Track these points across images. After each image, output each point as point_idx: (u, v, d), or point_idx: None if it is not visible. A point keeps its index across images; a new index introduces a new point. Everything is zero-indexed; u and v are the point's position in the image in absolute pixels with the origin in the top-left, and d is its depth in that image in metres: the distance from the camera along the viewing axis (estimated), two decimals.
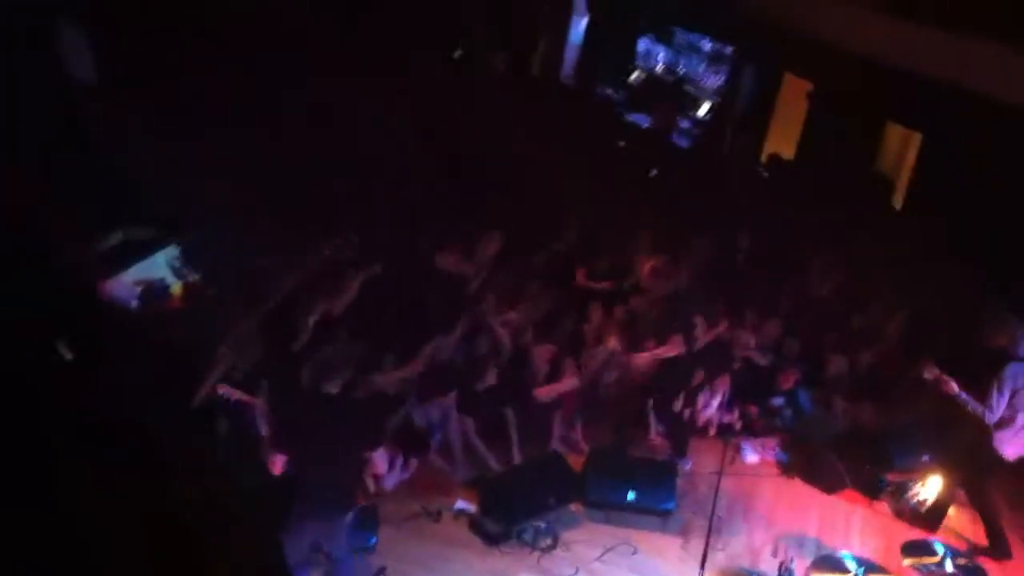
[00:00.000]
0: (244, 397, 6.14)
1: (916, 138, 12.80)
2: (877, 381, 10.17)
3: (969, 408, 7.43)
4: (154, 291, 6.79)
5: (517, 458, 8.40)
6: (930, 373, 7.51)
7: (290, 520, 5.82)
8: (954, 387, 7.43)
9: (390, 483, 7.65)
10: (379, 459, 7.42)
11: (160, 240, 7.22)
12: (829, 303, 11.03)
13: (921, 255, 11.23)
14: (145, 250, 6.95)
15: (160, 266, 6.88)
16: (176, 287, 7.02)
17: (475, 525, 7.55)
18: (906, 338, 10.53)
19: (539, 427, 8.73)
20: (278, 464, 5.80)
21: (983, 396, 7.40)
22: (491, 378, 8.48)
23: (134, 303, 6.46)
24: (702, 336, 9.65)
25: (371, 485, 7.57)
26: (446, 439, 8.20)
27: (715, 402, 9.53)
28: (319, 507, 5.96)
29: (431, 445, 8.08)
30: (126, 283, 6.47)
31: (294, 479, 5.86)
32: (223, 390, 6.12)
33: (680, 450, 8.95)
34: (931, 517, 8.36)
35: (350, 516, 6.48)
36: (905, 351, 10.38)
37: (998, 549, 7.94)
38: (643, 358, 9.21)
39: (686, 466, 8.48)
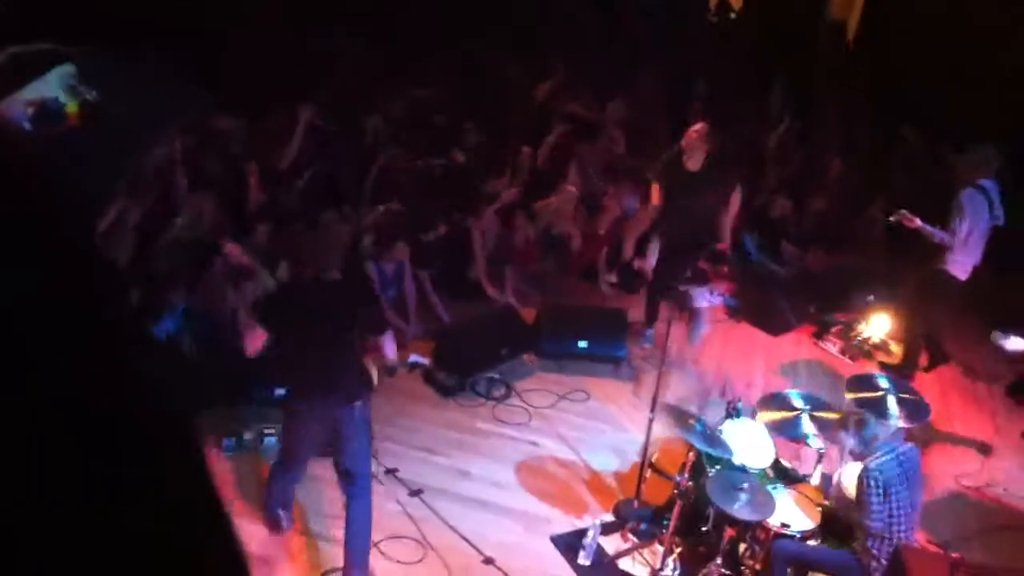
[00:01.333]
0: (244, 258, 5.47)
1: None
2: (823, 225, 10.33)
3: (934, 238, 7.63)
4: (48, 111, 6.40)
5: (468, 311, 8.44)
6: (896, 215, 7.63)
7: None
8: (917, 221, 7.58)
9: None
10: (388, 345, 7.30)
11: (53, 58, 6.83)
12: (773, 147, 11.12)
13: (864, 98, 11.33)
14: (37, 69, 6.55)
15: (53, 85, 6.46)
16: (71, 106, 6.66)
17: (429, 378, 7.62)
18: (849, 182, 10.69)
19: (493, 280, 8.78)
20: (256, 340, 5.09)
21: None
22: (442, 230, 8.45)
23: (26, 124, 6.02)
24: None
25: None
26: (400, 294, 8.20)
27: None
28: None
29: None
30: (17, 103, 6.00)
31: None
32: (229, 249, 5.46)
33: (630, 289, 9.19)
34: (876, 354, 8.64)
35: None
36: (849, 194, 10.55)
37: (939, 355, 8.56)
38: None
39: (648, 333, 8.51)
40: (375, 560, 5.63)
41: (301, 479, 5.70)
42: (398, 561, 5.72)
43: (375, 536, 5.61)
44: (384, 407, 7.19)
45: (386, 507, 6.15)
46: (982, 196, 7.68)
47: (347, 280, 5.33)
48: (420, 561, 5.76)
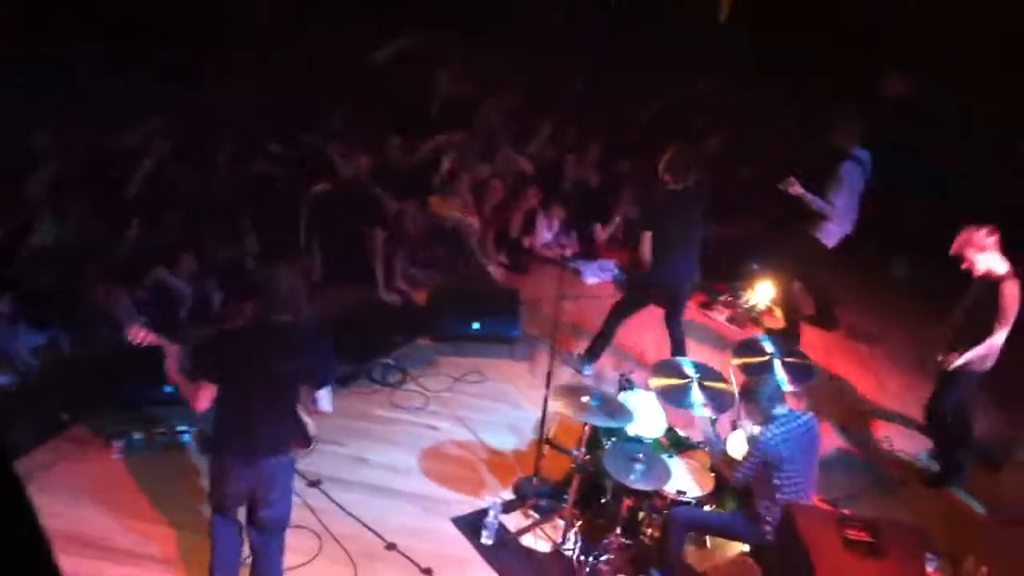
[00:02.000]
0: (156, 340, 5.07)
1: None
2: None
3: (813, 205, 7.95)
4: None
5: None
6: (784, 182, 7.89)
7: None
8: (799, 188, 7.84)
9: None
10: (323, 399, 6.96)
11: None
12: (653, 124, 11.31)
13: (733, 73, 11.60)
14: None
15: None
16: None
17: None
18: (730, 157, 10.94)
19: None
20: (205, 398, 4.70)
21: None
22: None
23: None
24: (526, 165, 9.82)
25: None
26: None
27: (552, 226, 9.68)
28: None
29: None
30: None
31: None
32: (134, 334, 5.00)
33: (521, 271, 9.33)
34: (763, 320, 8.88)
35: None
36: (730, 169, 10.80)
37: (830, 320, 8.91)
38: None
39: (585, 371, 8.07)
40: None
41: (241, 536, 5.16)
42: (300, 552, 5.65)
43: None
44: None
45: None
46: (859, 168, 7.96)
47: (297, 325, 4.92)
48: (321, 552, 5.71)
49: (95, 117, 8.38)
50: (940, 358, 6.55)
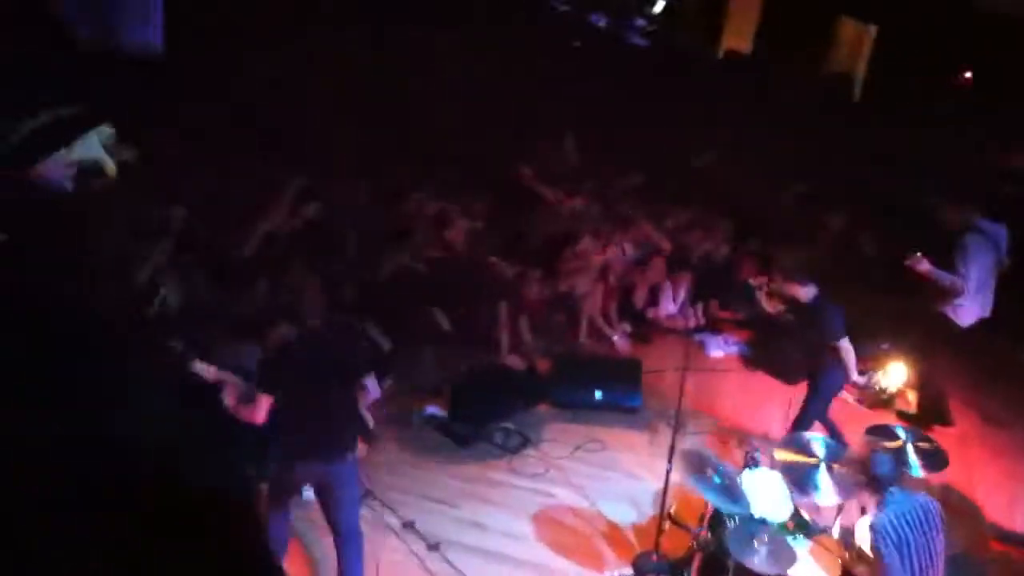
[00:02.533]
0: (217, 374, 5.46)
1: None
2: (826, 273, 10.36)
3: (944, 282, 7.67)
4: (88, 171, 6.32)
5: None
6: (910, 258, 7.68)
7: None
8: (927, 264, 7.61)
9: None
10: (371, 385, 7.26)
11: (93, 119, 6.80)
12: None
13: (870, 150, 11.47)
14: (77, 130, 6.50)
15: (94, 146, 6.39)
16: (110, 167, 6.60)
17: (445, 429, 7.60)
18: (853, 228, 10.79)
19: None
20: (262, 409, 5.08)
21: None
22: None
23: (68, 184, 5.94)
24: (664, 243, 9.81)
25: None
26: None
27: (677, 299, 9.63)
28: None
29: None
30: (59, 164, 5.90)
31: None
32: (199, 368, 5.30)
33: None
34: (893, 403, 8.61)
35: None
36: (852, 239, 10.63)
37: (943, 417, 8.40)
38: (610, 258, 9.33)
39: None
40: None
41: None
42: None
43: None
44: (400, 458, 7.20)
45: (405, 561, 6.14)
46: (986, 241, 7.69)
47: (329, 328, 5.53)
48: None
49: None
50: None
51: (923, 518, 5.06)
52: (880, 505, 5.05)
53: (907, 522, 4.98)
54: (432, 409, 7.73)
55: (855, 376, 7.33)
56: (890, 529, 4.94)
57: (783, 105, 12.47)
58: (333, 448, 5.33)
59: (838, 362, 7.10)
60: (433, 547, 6.26)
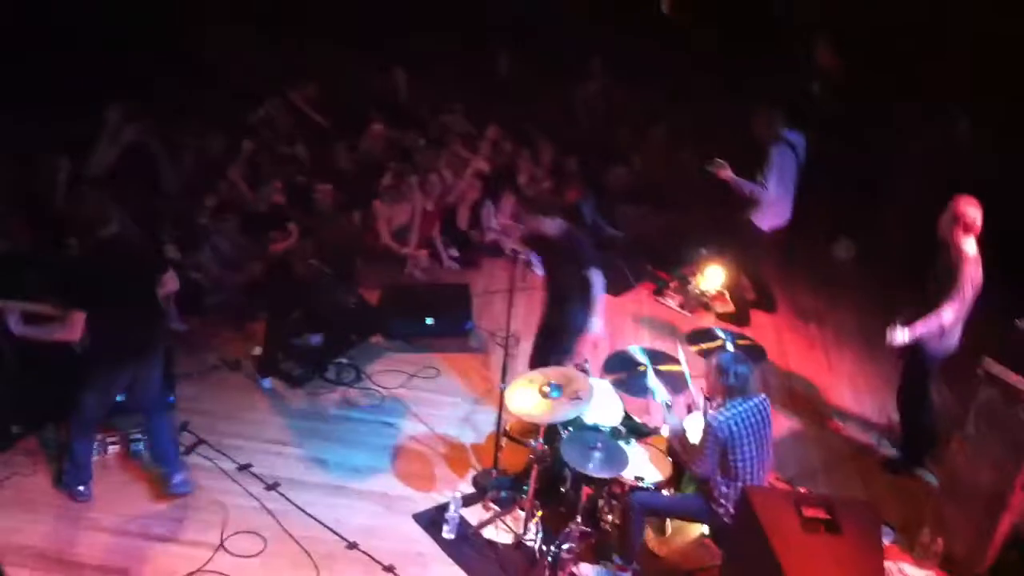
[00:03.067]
0: None
1: None
2: (650, 185, 10.65)
3: (745, 189, 7.97)
4: None
5: None
6: (711, 165, 7.95)
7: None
8: (729, 172, 7.90)
9: None
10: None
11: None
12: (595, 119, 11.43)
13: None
14: None
15: None
16: None
17: (277, 370, 7.48)
18: (669, 145, 11.07)
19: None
20: (78, 325, 5.19)
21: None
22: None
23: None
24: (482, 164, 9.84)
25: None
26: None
27: (502, 218, 9.68)
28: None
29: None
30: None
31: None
32: None
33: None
34: (712, 306, 8.96)
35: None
36: (668, 156, 10.94)
37: (769, 302, 8.93)
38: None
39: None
40: (235, 557, 5.61)
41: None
42: (257, 555, 5.64)
43: (230, 531, 5.80)
44: (231, 403, 7.06)
45: (242, 503, 6.07)
46: (791, 151, 8.01)
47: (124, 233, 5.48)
48: (281, 554, 5.69)
49: None
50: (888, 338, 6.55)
51: (757, 417, 5.31)
52: (722, 406, 5.27)
53: (742, 421, 5.22)
54: (259, 350, 7.58)
55: (597, 321, 6.64)
56: (724, 427, 5.18)
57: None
58: (151, 338, 5.70)
59: (587, 298, 6.61)
60: (271, 487, 6.20)
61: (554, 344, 6.81)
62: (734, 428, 5.19)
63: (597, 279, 6.53)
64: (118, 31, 10.06)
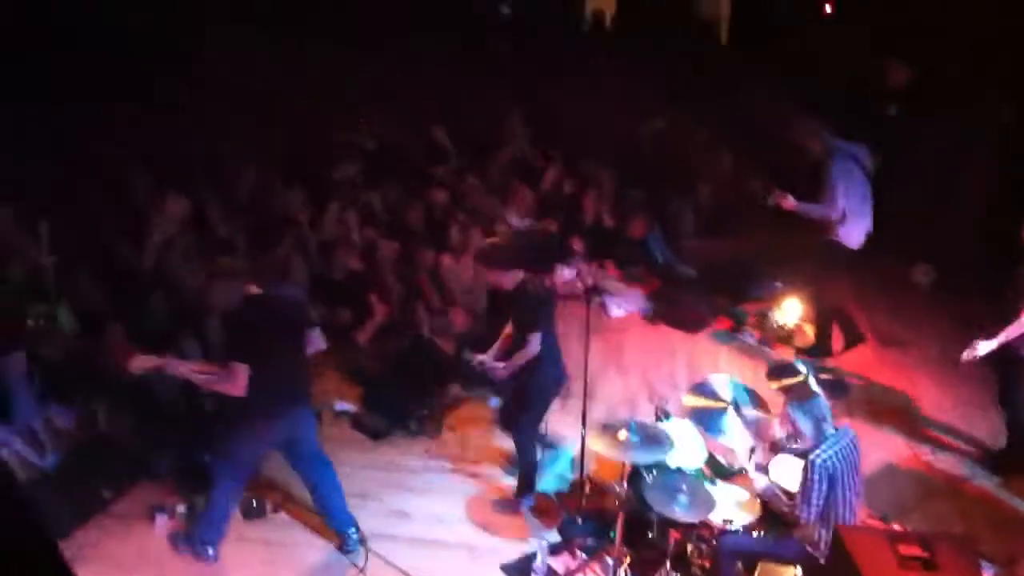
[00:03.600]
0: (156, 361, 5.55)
1: None
2: (718, 215, 10.57)
3: (813, 214, 7.79)
4: None
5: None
6: (773, 195, 7.80)
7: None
8: (791, 200, 7.74)
9: None
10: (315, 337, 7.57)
11: None
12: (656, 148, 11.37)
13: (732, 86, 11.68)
14: None
15: None
16: None
17: (358, 423, 7.53)
18: (735, 171, 10.98)
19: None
20: (241, 378, 5.40)
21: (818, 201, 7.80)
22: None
23: None
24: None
25: None
26: None
27: (573, 263, 9.66)
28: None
29: None
30: None
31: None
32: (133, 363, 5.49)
33: None
34: (792, 339, 8.81)
35: None
36: (736, 182, 10.83)
37: (854, 335, 8.61)
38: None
39: None
40: None
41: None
42: None
43: None
44: None
45: (334, 562, 6.10)
46: (848, 159, 7.83)
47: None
48: None
49: None
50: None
51: (851, 451, 5.22)
52: (818, 446, 5.19)
53: (841, 457, 5.14)
54: (342, 405, 7.64)
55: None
56: (827, 464, 5.10)
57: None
58: (301, 392, 5.89)
59: (553, 355, 6.49)
60: (361, 542, 6.21)
61: (519, 403, 6.62)
62: (838, 464, 5.10)
63: (533, 342, 6.25)
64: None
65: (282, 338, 5.68)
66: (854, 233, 7.96)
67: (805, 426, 5.25)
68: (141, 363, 5.46)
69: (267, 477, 6.66)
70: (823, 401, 5.40)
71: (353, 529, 6.13)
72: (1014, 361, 6.63)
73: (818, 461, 5.10)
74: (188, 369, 5.58)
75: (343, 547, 6.13)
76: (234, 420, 5.74)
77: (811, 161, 7.92)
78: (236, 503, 6.17)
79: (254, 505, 6.44)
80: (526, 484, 6.62)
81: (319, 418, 7.42)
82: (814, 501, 5.13)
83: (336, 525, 6.15)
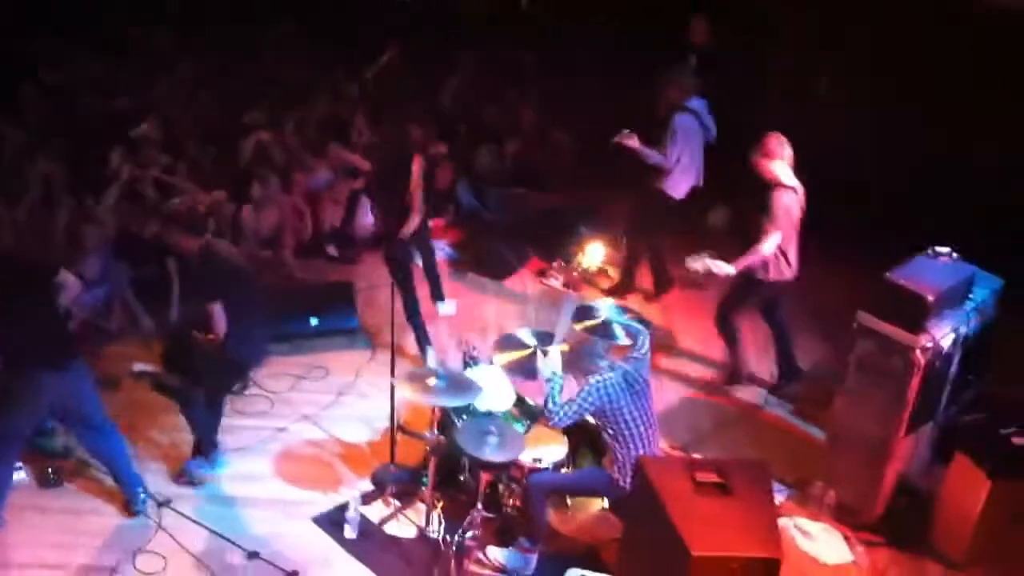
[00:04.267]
0: None
1: None
2: (524, 167, 10.70)
3: (650, 160, 8.05)
4: None
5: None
6: (619, 136, 7.95)
7: None
8: (636, 142, 7.95)
9: None
10: None
11: None
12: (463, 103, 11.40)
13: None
14: None
15: None
16: None
17: (159, 385, 7.28)
18: (543, 125, 11.13)
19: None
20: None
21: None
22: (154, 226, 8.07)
23: None
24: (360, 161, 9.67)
25: None
26: (108, 295, 7.81)
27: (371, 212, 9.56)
28: None
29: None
30: None
31: None
32: None
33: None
34: (595, 281, 9.06)
35: None
36: (543, 137, 11.00)
37: (666, 281, 8.97)
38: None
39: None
40: None
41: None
42: (156, 574, 5.52)
43: (125, 554, 5.64)
44: (114, 422, 6.82)
45: (134, 524, 5.91)
46: (693, 118, 8.12)
47: None
48: (182, 571, 5.57)
49: None
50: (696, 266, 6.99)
51: (632, 381, 5.41)
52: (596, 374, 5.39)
53: (617, 388, 5.33)
54: (140, 366, 7.37)
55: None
56: (602, 391, 5.31)
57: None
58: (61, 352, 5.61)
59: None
60: (163, 504, 6.04)
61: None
62: (611, 392, 5.29)
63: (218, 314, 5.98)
64: None
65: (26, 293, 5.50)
66: (682, 184, 8.27)
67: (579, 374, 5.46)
68: None
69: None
70: (597, 345, 5.58)
71: (140, 488, 5.98)
72: (751, 289, 7.19)
73: (592, 381, 5.33)
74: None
75: (131, 507, 5.96)
76: None
77: (662, 112, 8.17)
78: (14, 473, 5.86)
79: (50, 474, 6.14)
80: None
81: (117, 384, 7.20)
82: (573, 412, 5.34)
83: (124, 488, 5.98)
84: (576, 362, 5.52)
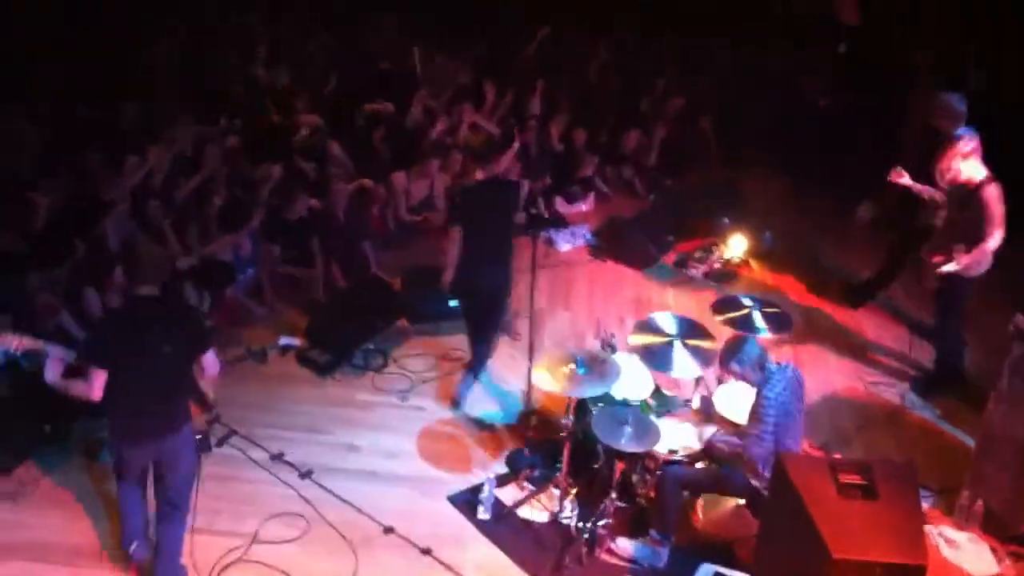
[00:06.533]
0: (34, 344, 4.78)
1: None
2: (669, 155, 10.60)
3: (925, 195, 7.25)
4: None
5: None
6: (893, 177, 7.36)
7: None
8: (907, 178, 7.29)
9: None
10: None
11: None
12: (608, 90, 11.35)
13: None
14: None
15: None
16: None
17: (304, 359, 7.49)
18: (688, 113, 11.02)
19: (350, 256, 8.63)
20: (97, 385, 4.72)
21: None
22: (301, 208, 8.31)
23: None
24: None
25: None
26: (257, 275, 8.09)
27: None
28: None
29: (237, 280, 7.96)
30: None
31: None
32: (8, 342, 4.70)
33: None
34: (741, 273, 8.90)
35: None
36: (688, 124, 10.87)
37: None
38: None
39: None
40: (272, 544, 5.66)
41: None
42: (294, 541, 5.70)
43: (266, 520, 5.82)
44: (260, 393, 7.08)
45: (277, 492, 6.10)
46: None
47: (164, 296, 5.11)
48: (319, 541, 5.72)
49: None
50: (935, 270, 6.74)
51: (796, 384, 5.31)
52: (765, 382, 5.26)
53: (791, 391, 5.26)
54: (286, 340, 7.60)
55: None
56: (781, 398, 5.20)
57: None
58: (164, 423, 5.01)
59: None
60: (305, 475, 6.22)
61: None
62: (787, 398, 5.18)
63: None
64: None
65: (154, 360, 4.86)
66: None
67: (748, 373, 5.32)
68: (16, 343, 4.80)
69: None
70: (754, 343, 5.44)
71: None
72: (959, 289, 6.87)
73: (771, 395, 5.18)
74: (57, 368, 4.85)
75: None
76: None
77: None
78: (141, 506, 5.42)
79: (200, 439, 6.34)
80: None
81: (264, 356, 7.44)
82: (765, 436, 5.20)
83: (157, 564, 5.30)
84: (738, 365, 5.38)
